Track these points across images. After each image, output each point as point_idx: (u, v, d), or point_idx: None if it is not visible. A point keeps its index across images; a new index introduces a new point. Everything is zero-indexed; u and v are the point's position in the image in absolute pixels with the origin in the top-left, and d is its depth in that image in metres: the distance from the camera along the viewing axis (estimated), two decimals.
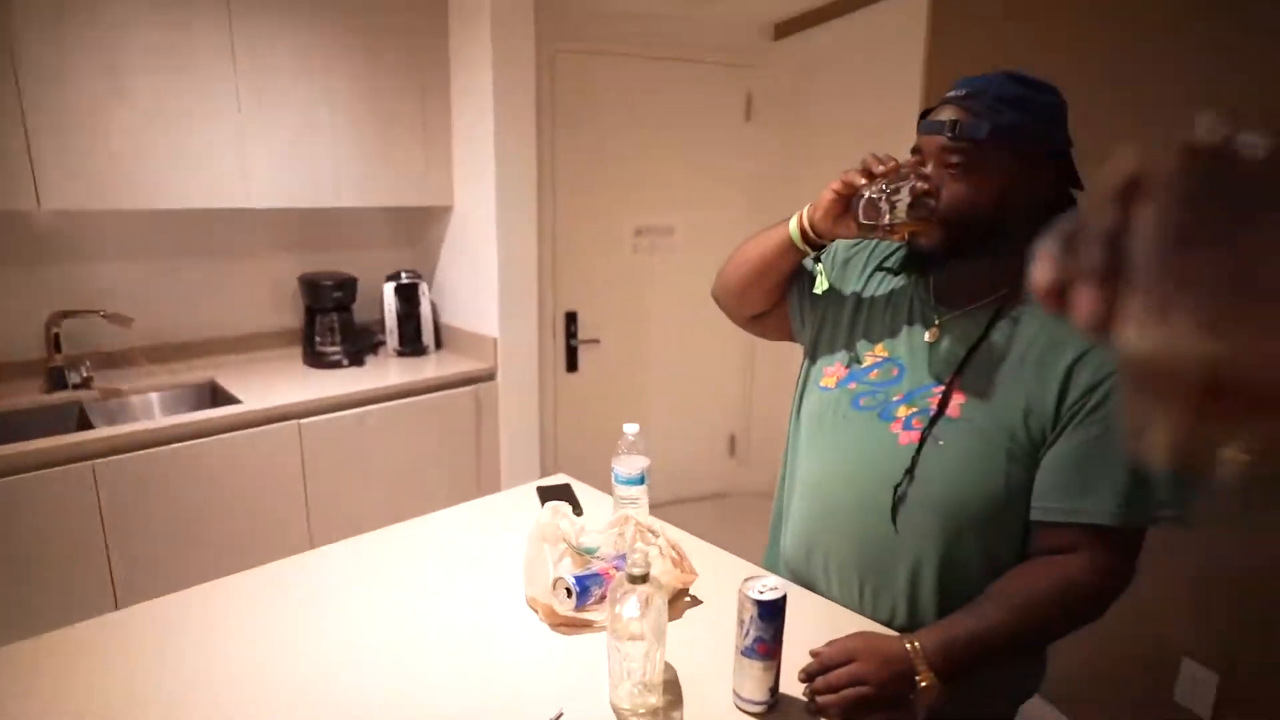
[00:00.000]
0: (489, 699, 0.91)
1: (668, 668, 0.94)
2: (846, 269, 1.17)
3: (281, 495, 2.12)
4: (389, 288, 2.60)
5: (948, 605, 0.97)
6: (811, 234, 1.06)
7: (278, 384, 2.26)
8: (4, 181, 1.80)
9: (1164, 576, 1.69)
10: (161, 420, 1.94)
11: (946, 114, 0.93)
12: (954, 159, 0.92)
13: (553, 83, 2.85)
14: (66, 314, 2.14)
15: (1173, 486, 0.86)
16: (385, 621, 1.06)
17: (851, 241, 1.17)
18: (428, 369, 2.49)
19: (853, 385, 1.08)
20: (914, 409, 1.00)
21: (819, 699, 0.87)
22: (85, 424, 2.09)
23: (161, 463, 1.89)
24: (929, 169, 0.95)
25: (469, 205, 2.56)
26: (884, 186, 0.93)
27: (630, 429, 1.26)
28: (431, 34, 2.46)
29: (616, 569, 1.09)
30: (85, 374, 2.17)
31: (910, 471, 0.97)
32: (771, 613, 0.83)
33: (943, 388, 0.98)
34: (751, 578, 0.87)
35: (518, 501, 1.49)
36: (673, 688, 0.92)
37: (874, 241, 1.15)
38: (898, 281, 1.11)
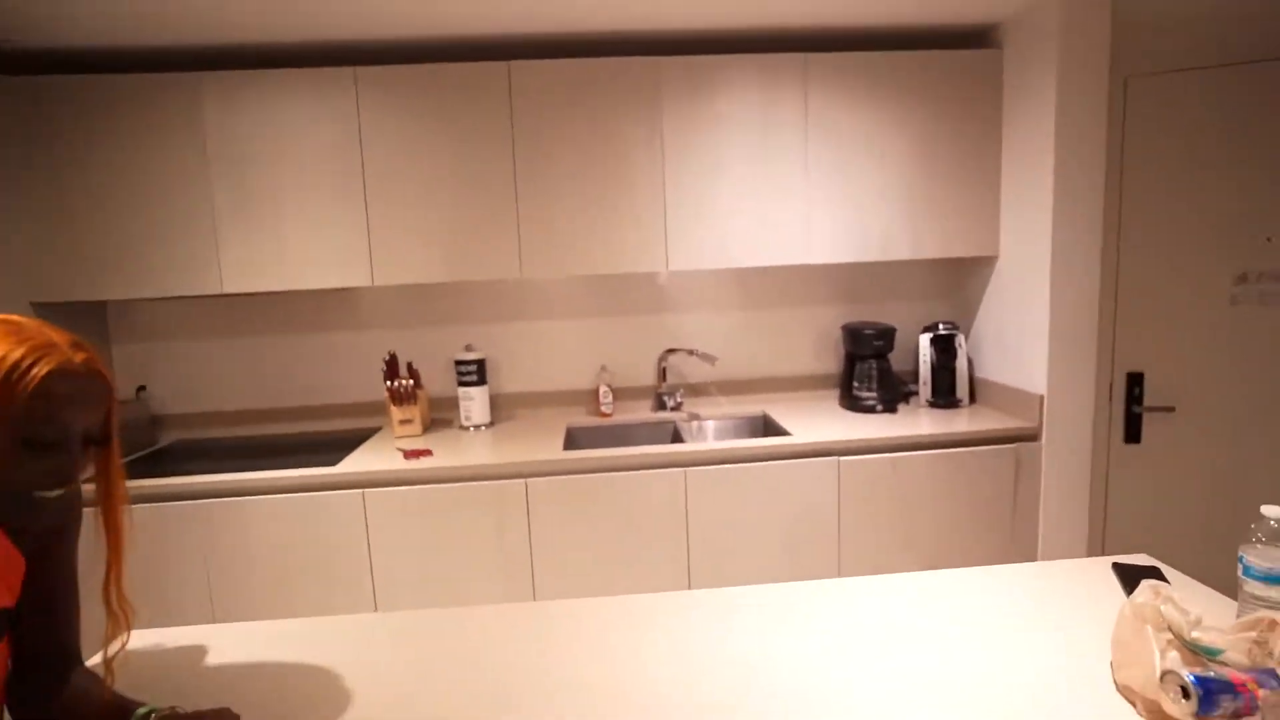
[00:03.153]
0: None
1: None
2: None
3: (815, 523, 2.30)
4: (925, 338, 2.62)
5: None
6: None
7: (819, 422, 2.48)
8: (648, 250, 2.42)
9: None
10: (730, 442, 2.32)
11: None
12: None
13: (1124, 111, 2.51)
14: (671, 351, 2.75)
15: None
16: (916, 666, 1.06)
17: None
18: (961, 422, 2.42)
19: None
20: None
21: None
22: (677, 438, 2.64)
23: (726, 476, 2.26)
24: None
25: (1016, 254, 2.43)
26: None
27: (1272, 511, 1.01)
28: (985, 83, 2.44)
29: (1258, 684, 0.87)
30: (678, 399, 2.74)
31: None
32: None
33: None
34: None
35: (1077, 573, 1.32)
36: None
37: None
38: None
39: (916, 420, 2.46)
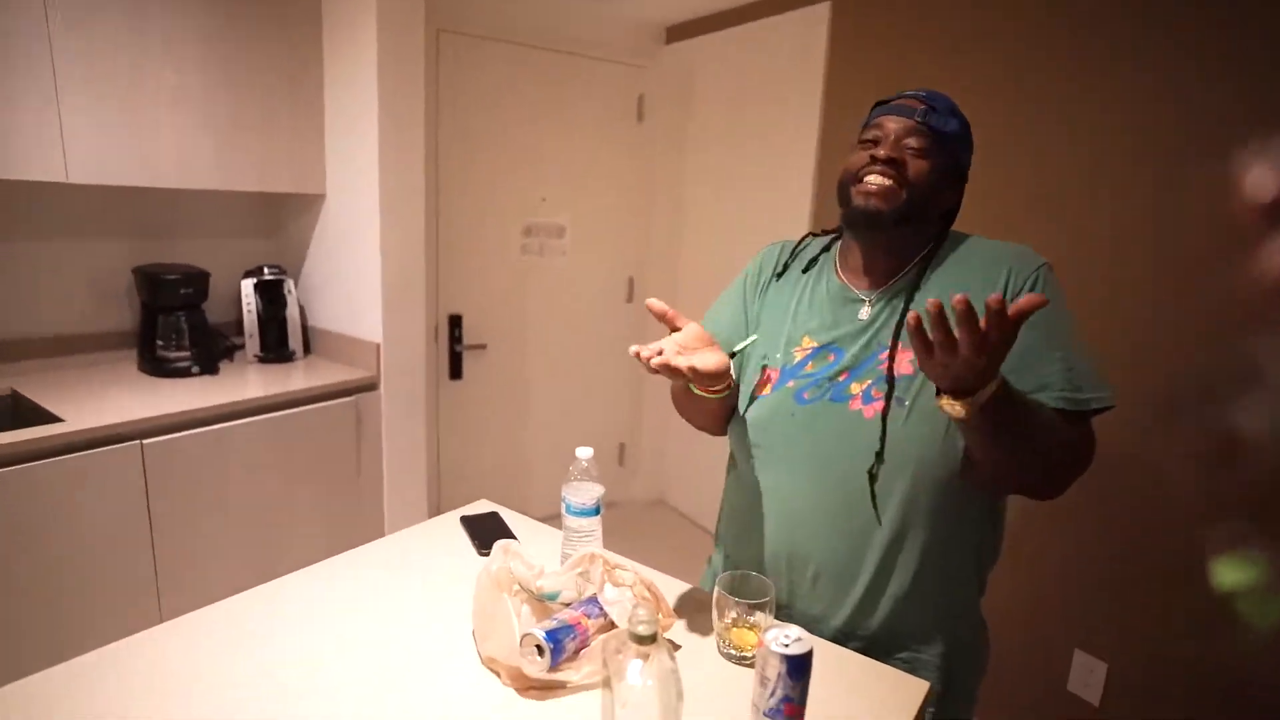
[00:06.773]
0: None
1: None
2: (761, 296, 1.16)
3: (115, 533, 1.75)
4: (248, 284, 2.26)
5: (933, 578, 1.00)
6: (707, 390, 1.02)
7: (110, 396, 1.88)
8: None
9: (1057, 573, 1.81)
10: None
11: (913, 105, 1.01)
12: (917, 142, 0.99)
13: (437, 66, 2.62)
14: None
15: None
16: (300, 683, 0.87)
17: (759, 267, 1.18)
18: (296, 378, 2.19)
19: (791, 383, 1.05)
20: (868, 381, 1.00)
21: None
22: None
23: None
24: (883, 148, 0.99)
25: (345, 195, 2.29)
26: None
27: (583, 453, 1.13)
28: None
29: (587, 616, 0.96)
30: None
31: (882, 443, 0.96)
32: (800, 668, 0.75)
33: (888, 351, 0.99)
34: (770, 628, 0.78)
35: (437, 535, 1.31)
36: None
37: (777, 251, 1.18)
38: (806, 282, 1.11)
39: (243, 381, 2.12)
